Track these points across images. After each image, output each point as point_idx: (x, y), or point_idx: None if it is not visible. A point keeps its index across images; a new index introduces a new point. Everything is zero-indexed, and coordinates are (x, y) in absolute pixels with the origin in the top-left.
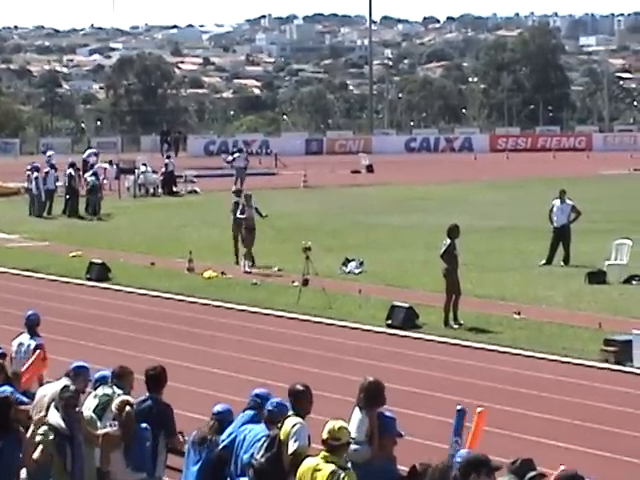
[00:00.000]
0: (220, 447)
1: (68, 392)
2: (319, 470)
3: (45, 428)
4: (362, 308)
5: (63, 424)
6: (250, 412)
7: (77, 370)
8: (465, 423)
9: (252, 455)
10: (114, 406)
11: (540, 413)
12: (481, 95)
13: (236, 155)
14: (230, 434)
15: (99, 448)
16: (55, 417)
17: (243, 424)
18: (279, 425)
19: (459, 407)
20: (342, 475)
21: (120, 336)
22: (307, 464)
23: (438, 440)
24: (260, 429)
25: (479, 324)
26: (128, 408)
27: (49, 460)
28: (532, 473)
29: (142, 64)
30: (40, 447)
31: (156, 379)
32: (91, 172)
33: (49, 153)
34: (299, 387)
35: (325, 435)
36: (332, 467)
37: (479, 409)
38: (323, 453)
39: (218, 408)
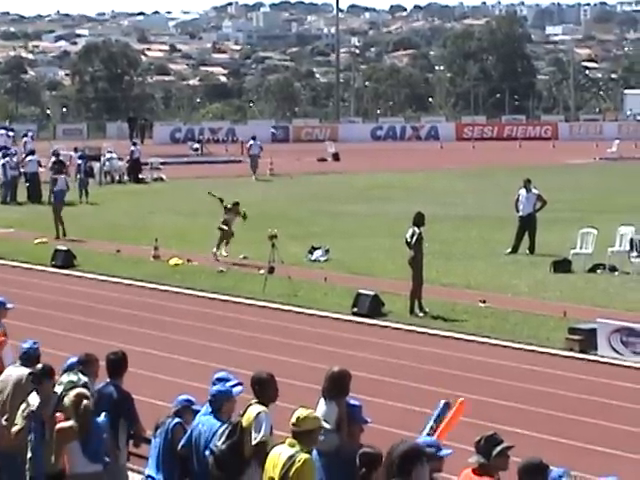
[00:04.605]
0: (180, 446)
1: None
2: (280, 454)
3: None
4: (328, 296)
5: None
6: (208, 402)
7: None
8: (445, 416)
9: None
10: (69, 399)
11: (504, 401)
12: (447, 84)
13: (251, 142)
14: (186, 431)
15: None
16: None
17: (197, 419)
18: (241, 413)
19: (445, 401)
20: (298, 458)
21: (85, 323)
22: (274, 451)
23: (402, 427)
24: (214, 421)
25: (445, 312)
26: (85, 402)
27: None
28: (498, 448)
29: (108, 51)
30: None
31: (117, 364)
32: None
33: (25, 139)
34: (262, 375)
35: (291, 422)
36: (291, 452)
37: (460, 399)
38: (289, 440)
39: (179, 398)
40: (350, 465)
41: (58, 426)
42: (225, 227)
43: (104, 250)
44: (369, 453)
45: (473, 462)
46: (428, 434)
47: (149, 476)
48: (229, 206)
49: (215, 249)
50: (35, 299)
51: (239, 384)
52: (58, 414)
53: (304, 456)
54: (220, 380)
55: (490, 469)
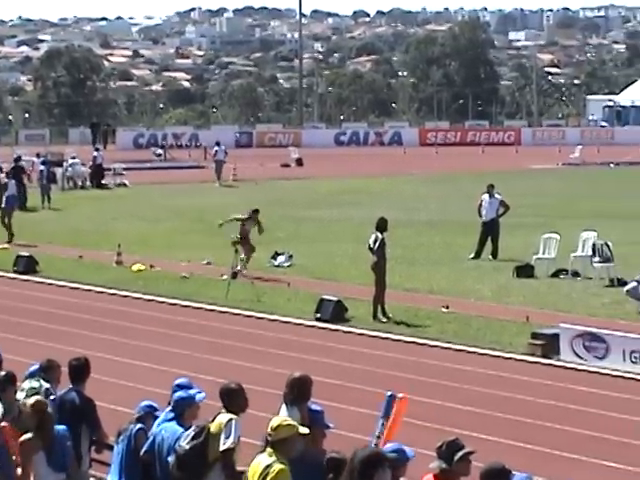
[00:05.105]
0: (142, 452)
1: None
2: (259, 463)
3: None
4: (291, 301)
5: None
6: (169, 408)
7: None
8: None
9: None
10: (30, 407)
11: (467, 406)
12: (410, 89)
13: (216, 148)
14: (148, 437)
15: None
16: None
17: (159, 425)
18: (211, 419)
19: (389, 393)
20: (272, 468)
21: (48, 329)
22: (256, 459)
23: (365, 432)
24: (176, 427)
25: (408, 318)
26: (49, 410)
27: None
28: (460, 453)
29: (71, 56)
30: None
31: (79, 370)
32: None
33: None
34: (231, 386)
35: (267, 431)
36: (269, 461)
37: (400, 395)
38: (268, 449)
39: (141, 404)
40: (314, 470)
41: (21, 439)
42: (239, 241)
43: (67, 256)
44: (336, 458)
45: (435, 467)
46: (380, 432)
47: None
48: (245, 216)
49: (240, 267)
50: None
51: (199, 392)
52: (4, 423)
53: (279, 467)
54: (181, 386)
55: (452, 474)
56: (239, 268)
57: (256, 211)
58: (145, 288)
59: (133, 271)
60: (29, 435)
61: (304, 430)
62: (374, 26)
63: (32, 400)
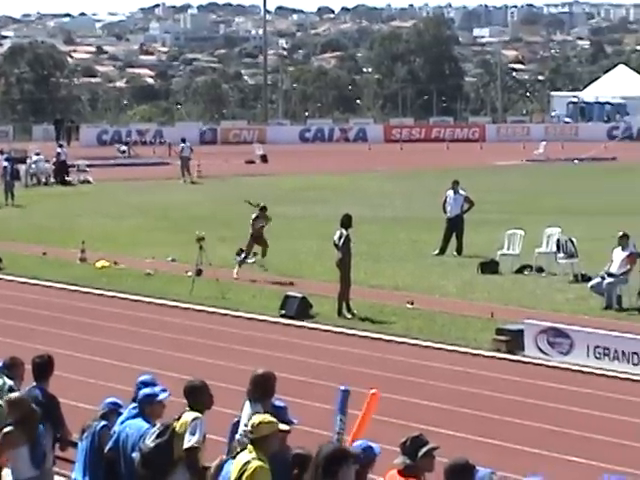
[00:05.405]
0: (107, 449)
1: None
2: (240, 460)
3: None
4: (256, 298)
5: None
6: (133, 405)
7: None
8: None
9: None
10: (10, 403)
11: (432, 402)
12: (375, 86)
13: (182, 145)
14: (113, 434)
15: None
16: None
17: (123, 422)
18: (176, 417)
19: (343, 387)
20: (250, 465)
21: (11, 326)
22: (238, 456)
23: (330, 429)
24: (141, 423)
25: (373, 314)
26: (33, 406)
27: None
28: (424, 449)
29: (34, 52)
30: None
31: (43, 368)
32: None
33: None
34: (195, 383)
35: (248, 429)
36: (247, 457)
37: (372, 390)
38: (249, 446)
39: (105, 401)
40: (278, 466)
41: (4, 431)
42: (253, 237)
43: (30, 253)
44: (301, 454)
45: (399, 463)
46: (340, 428)
47: None
48: (253, 215)
49: (255, 260)
50: None
51: (163, 390)
52: None
53: (257, 464)
54: (145, 383)
55: (416, 470)
56: (254, 260)
57: (264, 208)
58: (109, 285)
59: (97, 268)
60: (10, 428)
61: (284, 427)
62: (339, 22)
63: (14, 396)
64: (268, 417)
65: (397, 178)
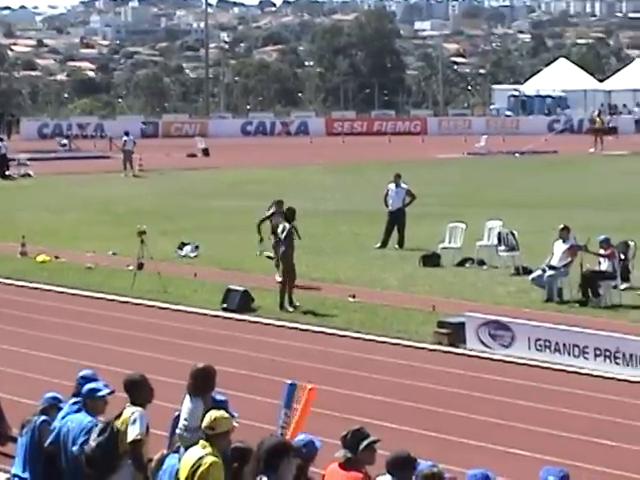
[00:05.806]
0: (47, 443)
1: None
2: (191, 456)
3: None
4: (197, 292)
5: None
6: (74, 400)
7: None
8: (295, 399)
9: (82, 444)
10: None
11: (374, 395)
12: (317, 79)
13: (125, 138)
14: (54, 429)
15: None
16: None
17: (64, 417)
18: (116, 414)
19: (290, 382)
20: (205, 461)
21: None
22: (188, 452)
23: (272, 422)
24: (83, 417)
25: (315, 307)
26: None
27: None
28: (365, 442)
29: None
30: None
31: None
32: None
33: None
34: (135, 377)
35: (204, 425)
36: (201, 453)
37: (309, 386)
38: (202, 441)
39: (45, 396)
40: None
41: None
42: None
43: None
44: (240, 448)
45: (340, 456)
46: (284, 422)
47: (15, 475)
48: (270, 212)
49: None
50: None
51: (106, 386)
52: None
53: (212, 459)
54: (85, 378)
55: (357, 463)
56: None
57: (279, 202)
58: (50, 279)
59: (38, 262)
60: None
61: (234, 423)
62: (280, 16)
63: None
64: (224, 413)
65: (339, 171)
